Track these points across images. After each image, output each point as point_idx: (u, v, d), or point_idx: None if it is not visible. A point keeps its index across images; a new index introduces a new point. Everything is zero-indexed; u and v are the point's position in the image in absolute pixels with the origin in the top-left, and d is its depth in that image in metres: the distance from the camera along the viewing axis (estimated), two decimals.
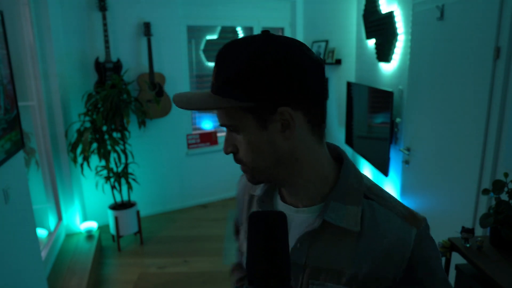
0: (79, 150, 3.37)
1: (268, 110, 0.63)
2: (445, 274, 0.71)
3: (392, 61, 3.00)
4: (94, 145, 3.41)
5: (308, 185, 0.70)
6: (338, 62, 4.07)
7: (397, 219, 0.67)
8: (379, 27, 3.14)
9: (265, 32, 0.64)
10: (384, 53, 3.08)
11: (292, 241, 0.70)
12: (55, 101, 3.19)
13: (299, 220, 0.72)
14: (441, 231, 2.28)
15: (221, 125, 0.70)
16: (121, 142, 3.38)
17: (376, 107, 3.12)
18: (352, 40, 3.84)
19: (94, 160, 3.59)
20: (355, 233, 0.67)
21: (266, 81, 0.60)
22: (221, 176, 4.51)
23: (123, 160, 3.61)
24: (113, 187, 3.39)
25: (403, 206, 0.70)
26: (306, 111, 0.64)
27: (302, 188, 0.70)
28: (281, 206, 0.76)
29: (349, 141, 3.83)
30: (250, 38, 0.63)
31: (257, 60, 0.60)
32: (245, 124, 0.65)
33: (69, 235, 3.36)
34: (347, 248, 0.67)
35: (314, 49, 4.42)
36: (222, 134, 4.53)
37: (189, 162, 4.29)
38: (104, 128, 3.23)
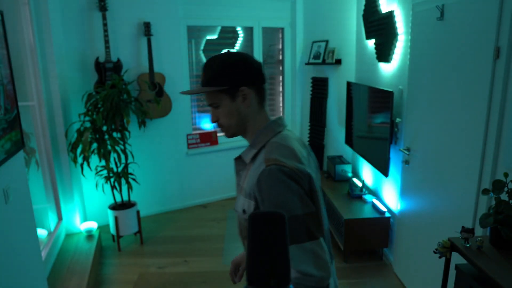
0: (79, 150, 3.37)
1: (234, 90, 1.10)
2: (275, 204, 0.97)
3: (392, 61, 3.00)
4: (94, 145, 3.41)
5: (251, 135, 1.16)
6: (338, 62, 4.07)
7: (262, 159, 1.05)
8: (379, 27, 3.14)
9: (227, 51, 1.14)
10: (384, 53, 3.08)
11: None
12: (55, 101, 3.19)
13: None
14: (441, 231, 2.28)
15: (209, 104, 1.15)
16: (121, 142, 3.38)
17: (376, 107, 3.12)
18: (352, 40, 3.84)
19: (94, 160, 3.59)
20: (248, 165, 1.13)
21: (231, 74, 1.09)
22: (221, 176, 4.52)
23: (123, 160, 3.61)
24: (113, 187, 3.39)
25: (276, 153, 1.04)
26: (255, 90, 1.12)
27: (249, 137, 1.17)
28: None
29: (349, 141, 3.83)
30: (219, 55, 1.12)
31: (224, 63, 1.09)
32: (222, 100, 1.11)
33: (69, 235, 3.36)
34: (245, 173, 1.12)
35: (314, 49, 4.42)
36: (222, 134, 4.53)
37: (189, 162, 4.29)
38: (104, 128, 3.23)
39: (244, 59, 1.10)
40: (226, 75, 1.08)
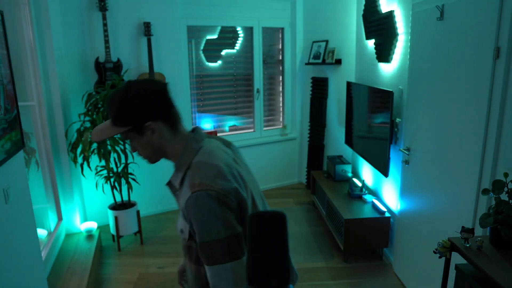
0: (79, 150, 3.37)
1: (140, 127, 1.11)
2: (204, 240, 1.04)
3: (392, 61, 3.00)
4: (94, 145, 3.41)
5: (174, 158, 1.17)
6: (338, 62, 4.07)
7: (188, 185, 1.07)
8: (379, 27, 3.14)
9: (127, 83, 1.10)
10: (384, 53, 3.08)
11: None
12: (55, 101, 3.19)
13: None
14: (441, 231, 2.28)
15: (123, 140, 1.24)
16: (121, 142, 3.38)
17: (376, 107, 3.12)
18: (352, 40, 3.84)
19: (94, 160, 3.59)
20: (178, 189, 1.14)
21: (133, 114, 1.08)
22: None
23: (123, 160, 3.61)
24: (113, 187, 3.39)
25: (200, 176, 1.07)
26: (163, 120, 1.11)
27: (173, 159, 1.17)
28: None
29: (349, 141, 3.83)
30: (119, 91, 1.09)
31: (124, 103, 1.08)
32: (133, 137, 1.13)
33: (69, 235, 3.36)
34: (179, 197, 1.14)
35: (314, 49, 4.42)
36: (222, 134, 4.53)
37: None
38: None
39: (143, 93, 1.08)
40: (127, 116, 1.08)
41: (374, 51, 3.26)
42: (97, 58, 3.55)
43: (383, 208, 3.12)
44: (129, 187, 3.40)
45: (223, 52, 4.41)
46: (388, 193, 3.20)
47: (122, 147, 3.39)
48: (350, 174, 3.89)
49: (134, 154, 3.87)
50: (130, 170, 3.84)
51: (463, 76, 2.04)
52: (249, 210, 1.13)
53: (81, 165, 3.21)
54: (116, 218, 3.34)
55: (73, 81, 3.55)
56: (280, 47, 4.76)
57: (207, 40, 4.29)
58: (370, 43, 3.41)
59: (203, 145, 1.15)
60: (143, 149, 1.15)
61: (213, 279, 1.05)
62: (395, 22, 2.92)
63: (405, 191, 2.77)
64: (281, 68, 4.81)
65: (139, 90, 1.08)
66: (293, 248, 3.37)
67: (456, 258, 1.77)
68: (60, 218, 3.33)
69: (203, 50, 4.30)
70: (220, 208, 1.03)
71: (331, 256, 3.25)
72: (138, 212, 3.51)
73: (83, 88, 3.58)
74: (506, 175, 1.56)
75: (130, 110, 1.07)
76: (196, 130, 1.19)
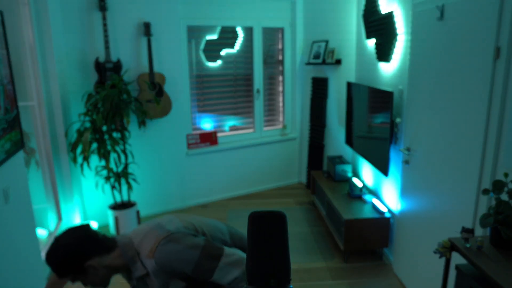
0: (79, 150, 3.37)
1: (81, 271, 1.30)
2: (195, 263, 1.28)
3: (392, 61, 3.00)
4: (94, 145, 3.41)
5: (123, 269, 1.36)
6: (338, 62, 4.07)
7: (147, 260, 1.30)
8: (379, 27, 3.14)
9: (55, 240, 1.30)
10: (384, 53, 3.08)
11: None
12: (55, 101, 3.19)
13: (134, 282, 1.39)
14: (441, 231, 2.28)
15: (73, 282, 1.34)
16: (121, 142, 3.38)
17: (376, 107, 3.12)
18: (352, 40, 3.84)
19: (94, 160, 3.59)
20: (147, 273, 1.33)
21: (69, 265, 1.28)
22: (221, 176, 4.52)
23: (123, 160, 3.61)
24: (113, 187, 3.39)
25: (151, 240, 1.30)
26: (96, 256, 1.30)
27: (124, 271, 1.36)
28: (130, 278, 1.42)
29: (349, 141, 3.83)
30: (50, 251, 1.28)
31: (57, 260, 1.28)
32: (82, 278, 1.32)
33: None
34: (152, 278, 1.33)
35: (314, 49, 4.42)
36: (222, 135, 4.54)
37: (189, 162, 4.29)
38: (104, 128, 3.23)
39: (72, 244, 1.28)
40: (65, 268, 1.28)
41: (374, 51, 3.26)
42: (97, 58, 3.55)
43: (383, 208, 3.12)
44: (129, 187, 3.40)
45: (223, 52, 4.41)
46: (388, 193, 3.20)
47: (122, 147, 3.39)
48: (350, 174, 3.89)
49: (135, 154, 3.88)
50: (130, 170, 3.84)
51: (463, 76, 2.04)
52: (200, 225, 1.39)
53: (81, 165, 3.21)
54: (116, 218, 3.34)
55: (73, 81, 3.55)
56: (280, 47, 4.76)
57: (207, 40, 4.29)
58: (370, 43, 3.41)
59: (132, 235, 1.37)
60: (94, 282, 1.33)
61: (224, 279, 1.29)
62: (395, 22, 2.92)
63: (405, 191, 2.77)
64: (281, 68, 4.81)
65: (66, 243, 1.28)
66: (293, 248, 3.37)
67: (456, 258, 1.77)
68: (60, 218, 3.33)
69: (203, 50, 4.30)
70: (176, 244, 1.28)
71: (331, 256, 3.25)
72: (138, 212, 3.50)
73: (83, 88, 3.58)
74: (506, 175, 1.56)
75: (65, 263, 1.27)
76: (120, 237, 1.39)
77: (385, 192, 3.25)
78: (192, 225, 1.38)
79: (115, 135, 3.47)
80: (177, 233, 1.31)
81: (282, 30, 4.68)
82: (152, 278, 1.32)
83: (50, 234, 3.09)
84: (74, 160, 3.16)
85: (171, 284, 1.32)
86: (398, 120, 2.89)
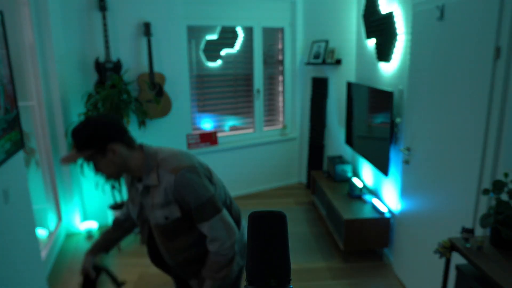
0: None
1: (103, 150, 1.36)
2: (201, 202, 1.39)
3: (392, 61, 3.00)
4: None
5: (136, 171, 1.43)
6: (338, 62, 4.07)
7: (168, 173, 1.38)
8: (379, 27, 3.14)
9: (86, 118, 1.38)
10: (384, 53, 3.08)
11: (137, 198, 1.50)
12: (55, 101, 3.19)
13: (138, 187, 1.47)
14: (441, 231, 2.28)
15: (88, 162, 1.39)
16: None
17: (376, 107, 3.12)
18: (352, 40, 3.84)
19: None
20: (157, 185, 1.40)
21: (95, 139, 1.34)
22: (221, 176, 4.51)
23: None
24: (113, 187, 3.39)
25: (174, 162, 1.40)
26: (120, 142, 1.38)
27: (136, 171, 1.43)
28: (136, 182, 1.49)
29: (349, 141, 3.83)
30: (83, 123, 1.35)
31: (88, 130, 1.34)
32: (97, 159, 1.37)
33: (69, 235, 3.36)
34: (158, 192, 1.41)
35: (314, 49, 4.42)
36: (222, 134, 4.53)
37: None
38: None
39: (102, 122, 1.37)
40: (91, 141, 1.34)
41: (374, 51, 3.26)
42: (97, 58, 3.55)
43: (383, 208, 3.12)
44: None
45: (223, 52, 4.41)
46: (388, 193, 3.20)
47: None
48: (350, 174, 3.89)
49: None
50: None
51: (464, 76, 2.04)
52: (216, 186, 1.48)
53: (81, 165, 3.21)
54: None
55: (73, 81, 3.55)
56: (280, 47, 4.76)
57: (207, 40, 4.29)
58: (370, 43, 3.41)
59: (158, 150, 1.46)
60: (107, 168, 1.38)
61: (211, 231, 1.40)
62: (395, 22, 2.92)
63: (405, 191, 2.77)
64: (281, 68, 4.81)
65: (98, 120, 1.37)
66: (293, 248, 3.37)
67: (457, 258, 1.77)
68: (60, 218, 3.33)
69: (203, 50, 4.30)
70: (197, 177, 1.40)
71: (331, 256, 3.25)
72: None
73: (83, 88, 3.58)
74: (506, 175, 1.56)
75: (93, 136, 1.34)
76: (143, 144, 1.47)
77: (385, 192, 3.25)
78: (209, 172, 1.48)
79: None
80: (200, 170, 1.42)
81: (282, 30, 4.68)
82: (159, 192, 1.40)
83: (50, 234, 3.09)
84: None
85: (171, 206, 1.40)
86: (398, 120, 2.88)
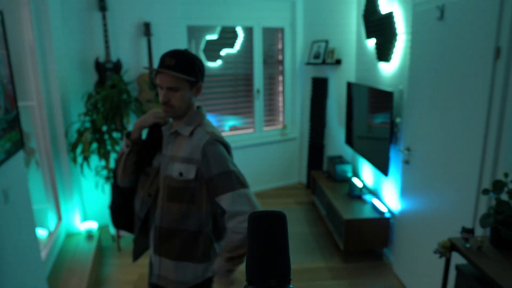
0: (79, 150, 3.37)
1: (196, 83, 1.40)
2: (226, 170, 1.37)
3: (392, 61, 3.00)
4: (94, 145, 3.41)
5: (184, 119, 1.44)
6: (338, 62, 4.07)
7: (204, 132, 1.41)
8: (379, 27, 3.14)
9: (186, 50, 1.39)
10: (384, 53, 3.08)
11: (167, 146, 1.46)
12: (55, 101, 3.19)
13: (167, 133, 1.46)
14: (441, 231, 2.28)
15: (169, 87, 1.35)
16: (121, 142, 3.38)
17: (376, 107, 3.12)
18: (352, 40, 3.84)
19: (94, 160, 3.59)
20: (182, 137, 1.42)
21: (198, 70, 1.38)
22: None
23: None
24: None
25: (213, 130, 1.44)
26: (201, 85, 1.43)
27: (185, 119, 1.43)
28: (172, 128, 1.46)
29: (349, 141, 3.83)
30: (185, 51, 1.37)
31: (194, 59, 1.37)
32: (183, 87, 1.37)
33: (69, 235, 3.36)
34: (185, 145, 1.41)
35: (314, 49, 4.42)
36: (222, 134, 4.53)
37: None
38: (104, 128, 3.23)
39: (201, 60, 1.41)
40: (195, 69, 1.36)
41: (374, 51, 3.26)
42: (97, 58, 3.54)
43: (383, 208, 3.12)
44: None
45: (223, 52, 4.41)
46: (388, 193, 3.20)
47: None
48: (350, 174, 3.89)
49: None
50: None
51: (463, 76, 2.04)
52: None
53: (81, 165, 3.21)
54: None
55: (73, 81, 3.55)
56: (280, 47, 4.76)
57: (207, 40, 4.29)
58: (370, 43, 3.41)
59: (207, 119, 1.50)
60: (181, 101, 1.37)
61: (233, 205, 1.33)
62: (395, 22, 2.92)
63: (405, 191, 2.77)
64: (281, 68, 4.81)
65: (198, 57, 1.40)
66: (293, 248, 3.37)
67: (456, 258, 1.77)
68: (60, 218, 3.33)
69: (203, 50, 4.29)
70: (227, 153, 1.42)
71: (331, 256, 3.25)
72: None
73: (83, 88, 3.58)
74: (506, 175, 1.56)
75: (199, 65, 1.38)
76: (202, 106, 1.51)
77: (385, 192, 3.25)
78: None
79: (115, 135, 3.47)
80: (230, 149, 1.47)
81: (282, 30, 4.68)
82: (186, 145, 1.40)
83: (50, 234, 3.09)
84: (74, 160, 3.16)
85: (190, 165, 1.38)
86: (398, 120, 2.88)
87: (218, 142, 1.40)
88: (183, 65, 1.34)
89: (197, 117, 1.44)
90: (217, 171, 1.35)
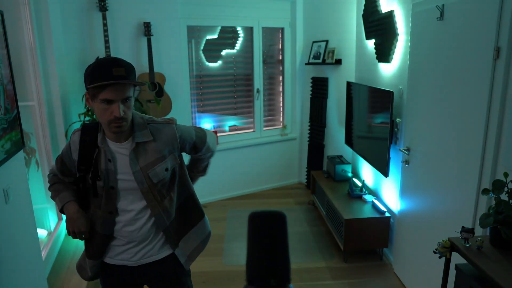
0: None
1: (133, 88, 1.34)
2: (193, 129, 1.56)
3: (392, 61, 3.00)
4: None
5: (131, 125, 1.39)
6: (338, 62, 4.07)
7: (162, 125, 1.44)
8: (379, 27, 3.14)
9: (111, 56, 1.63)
10: (384, 53, 3.08)
11: (123, 163, 1.38)
12: (55, 101, 3.19)
13: (122, 150, 1.38)
14: (441, 231, 2.28)
15: (125, 98, 1.28)
16: None
17: (376, 107, 3.12)
18: (352, 40, 3.84)
19: None
20: (152, 140, 1.39)
21: (134, 75, 1.33)
22: (221, 176, 4.51)
23: None
24: None
25: (161, 119, 1.46)
26: None
27: (130, 128, 1.38)
28: (111, 144, 1.38)
29: (349, 141, 3.83)
30: (120, 59, 1.29)
31: (130, 64, 1.32)
32: (133, 95, 1.34)
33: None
34: (154, 147, 1.40)
35: (314, 49, 4.42)
36: (222, 135, 4.53)
37: None
38: None
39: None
40: (134, 74, 1.33)
41: (374, 51, 3.26)
42: (97, 58, 3.54)
43: (383, 208, 3.12)
44: None
45: (223, 52, 4.41)
46: (388, 193, 3.20)
47: None
48: (350, 174, 3.89)
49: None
50: None
51: (463, 76, 2.04)
52: None
53: None
54: None
55: (73, 81, 3.55)
56: (280, 47, 4.76)
57: (207, 40, 4.29)
58: (370, 43, 3.41)
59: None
60: (131, 110, 1.34)
61: (208, 141, 1.61)
62: (395, 22, 2.92)
63: (405, 191, 2.77)
64: (281, 68, 4.81)
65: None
66: (293, 248, 3.36)
67: (456, 258, 1.77)
68: (60, 218, 3.33)
69: (203, 50, 4.30)
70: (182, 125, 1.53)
71: (331, 256, 3.25)
72: None
73: (83, 88, 3.55)
74: (506, 175, 1.56)
75: (133, 69, 1.33)
76: None
77: (385, 192, 3.25)
78: None
79: None
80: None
81: (282, 30, 4.68)
82: (155, 146, 1.40)
83: (50, 234, 3.09)
84: None
85: (170, 156, 1.43)
86: (398, 120, 2.89)
87: (179, 124, 1.49)
88: (131, 72, 1.29)
89: (140, 120, 1.41)
90: (193, 136, 1.53)
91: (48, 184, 1.52)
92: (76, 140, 1.41)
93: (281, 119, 4.96)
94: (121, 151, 1.38)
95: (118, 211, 1.41)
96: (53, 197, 1.50)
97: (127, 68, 1.27)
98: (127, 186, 1.39)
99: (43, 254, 2.71)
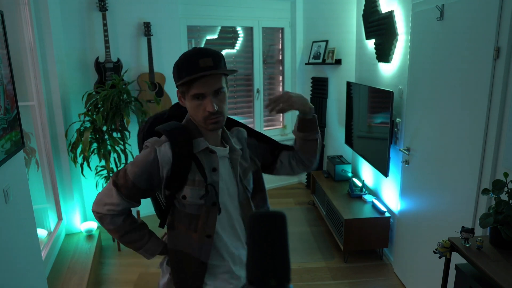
0: (79, 150, 3.37)
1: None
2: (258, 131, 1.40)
3: (392, 61, 3.00)
4: (94, 145, 3.41)
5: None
6: (338, 62, 4.07)
7: (238, 130, 1.31)
8: (379, 27, 3.14)
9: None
10: (384, 53, 3.08)
11: (226, 172, 1.22)
12: (55, 101, 3.19)
13: (223, 154, 1.22)
14: (441, 231, 2.28)
15: (216, 89, 1.13)
16: (121, 142, 3.38)
17: (376, 107, 3.12)
18: (352, 40, 3.84)
19: (94, 160, 3.59)
20: (235, 151, 1.24)
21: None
22: None
23: (123, 160, 3.61)
24: None
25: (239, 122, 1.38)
26: None
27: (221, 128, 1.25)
28: (215, 148, 1.21)
29: (349, 141, 3.83)
30: (207, 48, 1.18)
31: (218, 52, 1.16)
32: (225, 85, 1.17)
33: (69, 235, 3.36)
34: (242, 152, 1.27)
35: (314, 49, 4.42)
36: None
37: None
38: (104, 128, 3.23)
39: None
40: (224, 62, 1.18)
41: (374, 51, 3.26)
42: (97, 58, 3.54)
43: (383, 208, 3.12)
44: None
45: (223, 52, 4.41)
46: (388, 193, 3.20)
47: (122, 147, 3.39)
48: (350, 174, 3.89)
49: (135, 154, 3.87)
50: None
51: (463, 76, 2.04)
52: None
53: (81, 165, 3.21)
54: None
55: (73, 81, 3.55)
56: (280, 47, 4.76)
57: (207, 40, 4.29)
58: (370, 43, 3.40)
59: None
60: (225, 103, 1.17)
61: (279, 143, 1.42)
62: (395, 22, 2.92)
63: (405, 191, 2.77)
64: (281, 68, 4.81)
65: None
66: (293, 248, 3.37)
67: (456, 258, 1.77)
68: (60, 218, 3.33)
69: None
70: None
71: (331, 256, 3.25)
72: (138, 212, 3.50)
73: (83, 88, 3.58)
74: (506, 175, 1.56)
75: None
76: None
77: (385, 192, 3.25)
78: None
79: (115, 135, 3.47)
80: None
81: (282, 30, 4.68)
82: (244, 152, 1.26)
83: (50, 234, 3.09)
84: (74, 160, 3.16)
85: (252, 158, 1.30)
86: (398, 120, 2.88)
87: (243, 126, 1.38)
88: (222, 60, 1.14)
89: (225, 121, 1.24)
90: (260, 136, 1.38)
91: (111, 228, 1.27)
92: (167, 152, 1.15)
93: (281, 119, 4.96)
94: (223, 154, 1.21)
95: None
96: (131, 248, 1.38)
97: (214, 57, 1.12)
98: (227, 200, 1.21)
99: (43, 254, 2.71)
